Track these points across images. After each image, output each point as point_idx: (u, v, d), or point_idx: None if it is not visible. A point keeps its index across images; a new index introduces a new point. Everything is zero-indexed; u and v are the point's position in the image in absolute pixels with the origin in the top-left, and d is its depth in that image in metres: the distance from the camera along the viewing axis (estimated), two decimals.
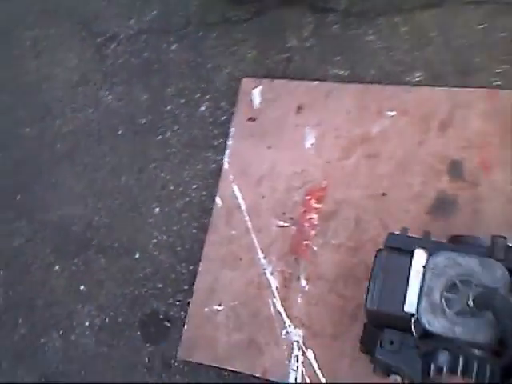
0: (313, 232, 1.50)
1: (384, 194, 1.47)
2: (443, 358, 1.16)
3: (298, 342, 1.42)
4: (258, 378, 1.43)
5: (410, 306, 1.09)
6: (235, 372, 1.46)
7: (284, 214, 1.54)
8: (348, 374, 1.35)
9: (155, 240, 1.77)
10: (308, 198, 1.53)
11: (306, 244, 1.50)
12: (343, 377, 1.34)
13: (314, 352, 1.40)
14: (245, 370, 1.45)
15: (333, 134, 1.57)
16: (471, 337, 1.02)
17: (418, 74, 1.59)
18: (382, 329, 1.19)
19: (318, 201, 1.52)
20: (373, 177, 1.49)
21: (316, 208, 1.52)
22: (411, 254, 1.13)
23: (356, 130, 1.55)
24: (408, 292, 1.10)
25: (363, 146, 1.53)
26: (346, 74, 1.68)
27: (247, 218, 1.57)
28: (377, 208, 1.47)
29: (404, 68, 1.62)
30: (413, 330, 1.08)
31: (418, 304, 1.07)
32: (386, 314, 1.14)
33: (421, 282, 1.09)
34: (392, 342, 1.18)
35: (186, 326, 1.54)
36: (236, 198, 1.60)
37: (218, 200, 1.62)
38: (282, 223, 1.54)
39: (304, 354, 1.41)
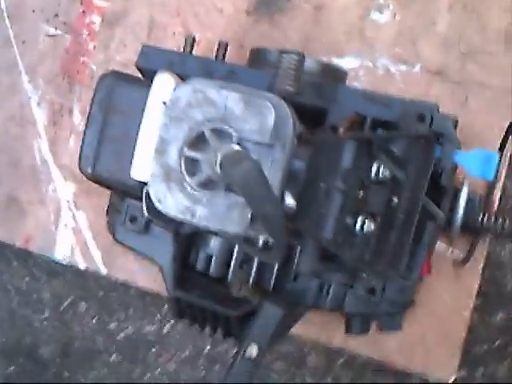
0: (92, 44, 1.02)
1: None
2: (214, 244, 0.78)
3: (67, 201, 1.02)
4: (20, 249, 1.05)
5: (138, 169, 0.67)
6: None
7: (56, 16, 1.04)
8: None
9: None
10: None
11: (84, 62, 1.03)
12: (121, 251, 0.95)
13: (87, 216, 1.01)
14: (4, 237, 1.06)
15: None
16: (218, 224, 0.60)
17: None
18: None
19: None
20: None
21: (99, 7, 1.02)
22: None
23: None
24: (137, 147, 0.67)
25: None
26: None
27: (8, 23, 1.07)
28: (179, 4, 0.97)
29: None
30: (144, 207, 0.67)
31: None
32: (107, 181, 0.72)
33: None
34: (134, 219, 0.78)
35: None
36: None
37: None
38: (52, 31, 1.05)
39: (74, 217, 1.01)
